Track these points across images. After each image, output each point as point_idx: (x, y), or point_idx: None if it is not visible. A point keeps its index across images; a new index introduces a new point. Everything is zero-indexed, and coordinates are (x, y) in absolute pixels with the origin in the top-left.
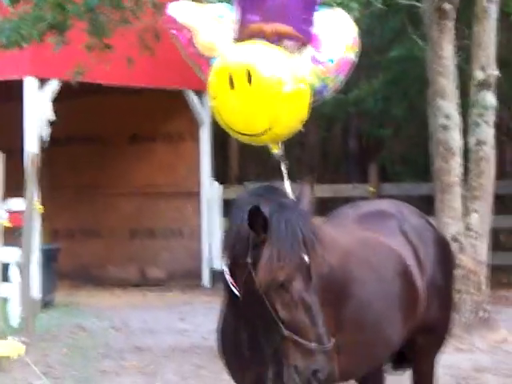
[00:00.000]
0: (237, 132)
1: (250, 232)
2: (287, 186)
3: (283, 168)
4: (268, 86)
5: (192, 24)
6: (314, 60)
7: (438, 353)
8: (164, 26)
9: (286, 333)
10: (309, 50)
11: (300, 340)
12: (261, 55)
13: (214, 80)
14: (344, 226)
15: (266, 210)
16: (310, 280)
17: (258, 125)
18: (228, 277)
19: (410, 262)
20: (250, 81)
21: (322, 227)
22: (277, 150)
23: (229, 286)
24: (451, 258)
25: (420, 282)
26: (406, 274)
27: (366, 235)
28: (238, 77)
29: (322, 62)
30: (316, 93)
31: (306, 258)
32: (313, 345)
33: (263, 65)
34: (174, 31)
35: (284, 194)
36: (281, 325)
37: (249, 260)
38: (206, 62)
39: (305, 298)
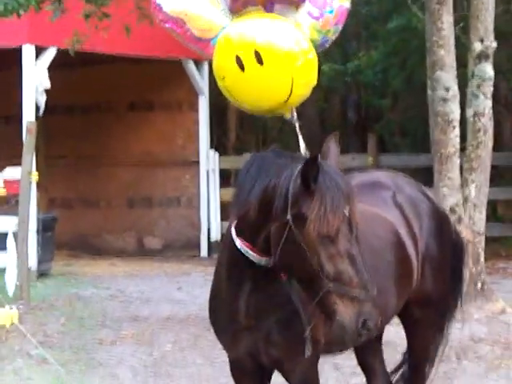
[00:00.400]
0: (250, 106)
1: (289, 188)
2: (302, 145)
3: (297, 129)
4: (280, 64)
5: (182, 10)
6: (311, 15)
7: (435, 327)
8: (156, 22)
9: (332, 285)
10: (305, 6)
11: (346, 288)
12: (267, 33)
13: (221, 61)
14: None
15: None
16: (352, 232)
17: (273, 102)
18: (242, 244)
19: (403, 232)
20: (260, 61)
21: None
22: (289, 115)
23: (231, 248)
24: (448, 230)
25: (413, 253)
26: (399, 245)
27: (359, 206)
28: (247, 59)
29: (321, 15)
30: (318, 46)
31: (347, 211)
32: (358, 292)
33: (273, 44)
34: (168, 25)
35: (298, 156)
36: (325, 279)
37: (288, 217)
38: (206, 44)
39: (350, 250)
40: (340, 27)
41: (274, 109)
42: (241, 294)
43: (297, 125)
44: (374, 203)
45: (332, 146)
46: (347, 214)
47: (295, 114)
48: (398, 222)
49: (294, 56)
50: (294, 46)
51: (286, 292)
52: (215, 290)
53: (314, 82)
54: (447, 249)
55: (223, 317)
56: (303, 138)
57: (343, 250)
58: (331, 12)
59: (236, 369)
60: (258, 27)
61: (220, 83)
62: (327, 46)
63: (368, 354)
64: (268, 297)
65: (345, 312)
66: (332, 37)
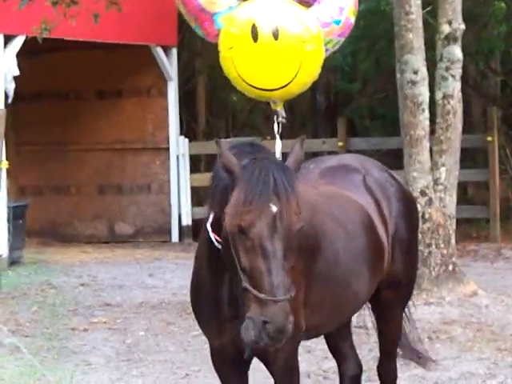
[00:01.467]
0: (249, 85)
1: (228, 183)
2: (278, 143)
3: (276, 126)
4: (294, 43)
5: None
6: (319, 20)
7: (403, 307)
8: None
9: (244, 282)
10: (316, 9)
11: (251, 290)
12: (288, 12)
13: (234, 30)
14: (308, 180)
15: (244, 161)
16: (275, 230)
17: (277, 80)
18: (210, 231)
19: (374, 215)
20: (275, 37)
21: None
22: (280, 108)
23: (209, 242)
24: (415, 212)
25: (385, 236)
26: (371, 228)
27: (331, 189)
28: (263, 31)
29: (327, 23)
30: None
31: (275, 208)
32: (262, 295)
33: (292, 22)
34: None
35: (268, 151)
36: (241, 273)
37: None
38: (208, 17)
39: (265, 246)
40: (342, 41)
41: (274, 90)
42: (223, 285)
43: (279, 122)
44: (345, 186)
45: (295, 148)
46: (273, 211)
47: (283, 112)
48: (369, 205)
49: (306, 40)
50: (308, 30)
51: None
52: (196, 281)
53: (317, 73)
54: (415, 231)
55: (206, 308)
56: (272, 122)
57: (257, 244)
58: (338, 23)
59: (217, 357)
60: (277, 5)
61: (224, 53)
62: (325, 56)
63: (338, 338)
64: None
65: (251, 311)
66: (332, 48)
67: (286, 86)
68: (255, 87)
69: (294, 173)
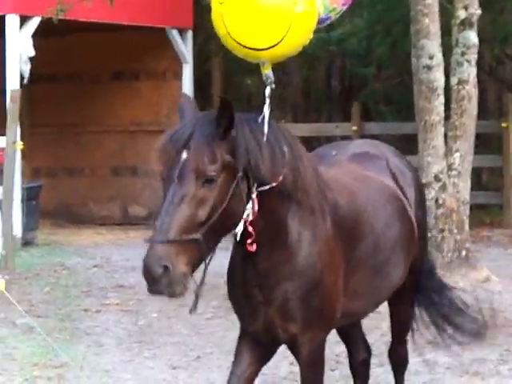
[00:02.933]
0: (237, 43)
1: None
2: (266, 109)
3: (268, 91)
4: (284, 3)
5: None
6: None
7: (415, 293)
8: None
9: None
10: None
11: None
12: None
13: None
14: (339, 166)
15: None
16: (180, 176)
17: (265, 39)
18: None
19: (404, 200)
20: None
21: (323, 169)
22: (268, 71)
23: None
24: (425, 198)
25: (414, 221)
26: (405, 214)
27: (366, 174)
28: None
29: None
30: (319, 21)
31: (185, 155)
32: (147, 237)
33: None
34: None
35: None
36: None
37: None
38: None
39: (165, 190)
40: (345, 9)
41: (262, 50)
42: (250, 269)
43: (269, 87)
44: (375, 171)
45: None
46: (183, 159)
47: (272, 75)
48: (396, 189)
49: (297, 1)
50: None
51: (291, 259)
52: (230, 266)
53: (308, 37)
54: (426, 217)
55: (238, 293)
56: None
57: (162, 190)
58: None
59: (244, 342)
60: None
61: (215, 8)
62: (325, 24)
63: (347, 324)
64: (273, 266)
65: (145, 253)
66: (334, 17)
67: (274, 46)
68: (243, 45)
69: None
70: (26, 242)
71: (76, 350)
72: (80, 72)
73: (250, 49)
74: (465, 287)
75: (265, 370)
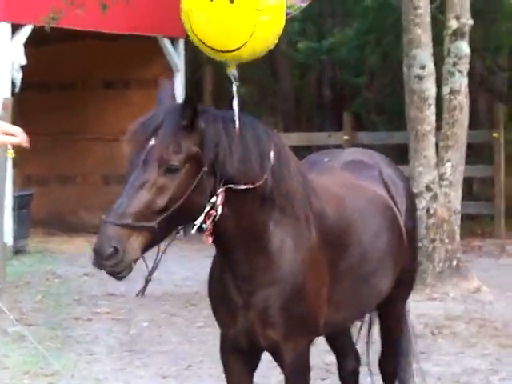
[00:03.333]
0: (202, 42)
1: None
2: (235, 105)
3: (234, 88)
4: (248, 10)
5: None
6: None
7: (404, 303)
8: None
9: None
10: None
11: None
12: None
13: None
14: (331, 173)
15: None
16: (144, 162)
17: (228, 43)
18: None
19: (395, 210)
20: (231, 0)
21: (312, 177)
22: (233, 70)
23: None
24: (416, 209)
25: (404, 231)
26: (395, 224)
27: (357, 183)
28: None
29: None
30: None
31: (152, 142)
32: (103, 216)
33: None
34: None
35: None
36: None
37: None
38: None
39: (131, 173)
40: (304, 6)
41: (221, 54)
42: (228, 271)
43: (234, 85)
44: (367, 180)
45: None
46: (149, 145)
47: (236, 73)
48: (388, 199)
49: (262, 9)
50: (261, 1)
51: (272, 265)
52: (211, 268)
53: (271, 43)
54: (417, 227)
55: (217, 295)
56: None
57: (127, 176)
58: None
59: (227, 349)
60: None
61: (183, 5)
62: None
63: (337, 333)
64: (252, 271)
65: (99, 231)
66: (294, 12)
67: (237, 50)
68: (207, 46)
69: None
70: (17, 251)
71: (67, 359)
72: (72, 80)
73: (214, 50)
74: (456, 297)
75: (255, 378)
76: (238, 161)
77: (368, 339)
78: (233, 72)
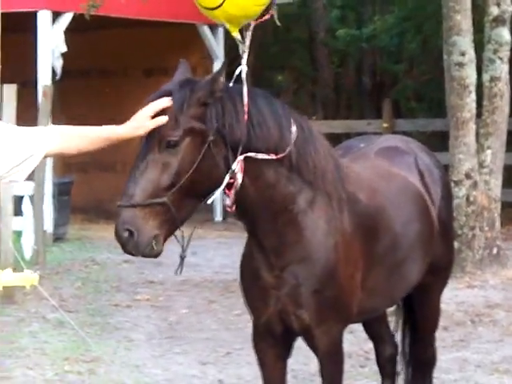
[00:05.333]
0: (202, 7)
1: None
2: (244, 68)
3: (241, 52)
4: None
5: None
6: None
7: (441, 291)
8: None
9: None
10: None
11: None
12: None
13: None
14: (365, 160)
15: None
16: (148, 143)
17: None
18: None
19: (427, 198)
20: None
21: (345, 162)
22: (236, 34)
23: None
24: (452, 197)
25: (436, 219)
26: (426, 212)
27: (389, 170)
28: None
29: None
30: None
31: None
32: (120, 200)
33: None
34: None
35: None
36: None
37: None
38: None
39: (137, 157)
40: None
41: (213, 9)
42: (259, 253)
43: (241, 48)
44: (401, 168)
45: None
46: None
47: (239, 36)
48: (421, 187)
49: None
50: None
51: (302, 240)
52: (243, 254)
53: None
54: (452, 215)
55: (249, 279)
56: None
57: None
58: None
59: (260, 335)
60: None
61: None
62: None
63: (374, 320)
64: (282, 245)
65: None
66: None
67: (221, 6)
68: (200, 4)
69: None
70: (57, 238)
71: (106, 345)
72: (112, 68)
73: (205, 8)
74: (495, 285)
75: (295, 365)
76: (252, 126)
77: (404, 328)
78: (236, 36)
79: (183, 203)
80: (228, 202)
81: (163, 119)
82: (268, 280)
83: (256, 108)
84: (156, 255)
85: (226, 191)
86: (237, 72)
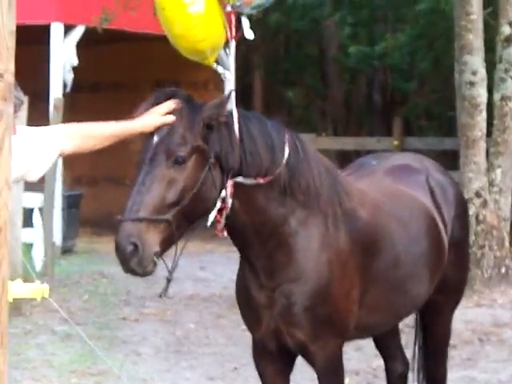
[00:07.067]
0: (183, 48)
1: None
2: (231, 97)
3: (223, 78)
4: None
5: None
6: None
7: (453, 311)
8: None
9: None
10: None
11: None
12: None
13: None
14: (372, 177)
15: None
16: (155, 158)
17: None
18: None
19: (437, 218)
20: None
21: (348, 179)
22: (212, 61)
23: None
24: (468, 216)
25: (445, 239)
26: (435, 231)
27: (397, 188)
28: None
29: None
30: (235, 7)
31: (156, 138)
32: (118, 217)
33: None
34: None
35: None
36: None
37: None
38: None
39: (139, 170)
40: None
41: (200, 51)
42: (250, 271)
43: (223, 76)
44: (410, 186)
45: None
46: (155, 142)
47: (217, 65)
48: (432, 206)
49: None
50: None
51: (294, 262)
52: (238, 272)
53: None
54: (468, 235)
55: (243, 297)
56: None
57: (137, 175)
58: None
59: (258, 352)
60: None
61: (160, 13)
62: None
63: (385, 336)
64: (274, 267)
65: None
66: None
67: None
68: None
69: (202, 114)
70: (66, 250)
71: (114, 359)
72: (123, 81)
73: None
74: (504, 304)
75: (302, 382)
76: (244, 154)
77: (416, 345)
78: (213, 64)
79: (181, 223)
80: (218, 226)
81: (171, 118)
82: (260, 300)
83: (248, 135)
84: (151, 273)
85: (217, 216)
86: (230, 99)
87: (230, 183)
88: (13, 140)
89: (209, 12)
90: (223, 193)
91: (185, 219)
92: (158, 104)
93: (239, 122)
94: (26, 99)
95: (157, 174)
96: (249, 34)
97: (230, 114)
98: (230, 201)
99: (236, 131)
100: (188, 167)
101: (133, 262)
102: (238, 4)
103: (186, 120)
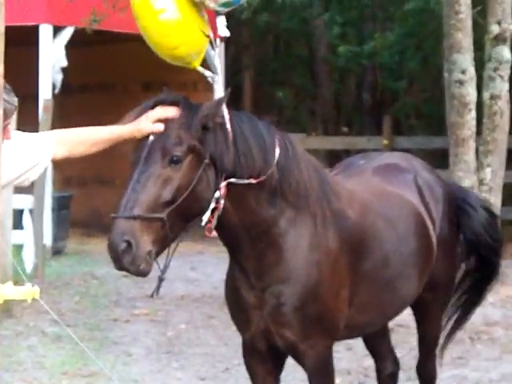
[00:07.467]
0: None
1: None
2: (225, 95)
3: (211, 81)
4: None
5: None
6: None
7: (442, 309)
8: None
9: None
10: None
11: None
12: None
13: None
14: (361, 177)
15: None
16: (150, 156)
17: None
18: None
19: (426, 217)
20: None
21: (336, 178)
22: (197, 66)
23: None
24: (454, 214)
25: (434, 238)
26: (423, 230)
27: (385, 188)
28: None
29: None
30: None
31: (152, 137)
32: (112, 214)
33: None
34: None
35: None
36: None
37: None
38: None
39: (134, 168)
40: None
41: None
42: (239, 272)
43: (210, 79)
44: (398, 185)
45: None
46: (150, 141)
47: (202, 69)
48: (420, 205)
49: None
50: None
51: (283, 258)
52: (227, 272)
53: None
54: (456, 233)
55: (232, 298)
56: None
57: (131, 173)
58: None
59: (248, 352)
60: None
61: (136, 23)
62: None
63: (375, 336)
64: (263, 267)
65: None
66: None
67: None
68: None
69: (198, 115)
70: (56, 251)
71: (105, 360)
72: (112, 82)
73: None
74: (494, 303)
75: (293, 382)
76: (237, 155)
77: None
78: (199, 68)
79: (176, 223)
80: (208, 226)
81: (162, 127)
82: (249, 300)
83: (242, 136)
84: (147, 273)
85: (210, 216)
86: (223, 97)
87: (223, 184)
88: (6, 145)
89: (184, 17)
90: (217, 193)
91: (179, 219)
92: (152, 108)
93: (232, 123)
94: (16, 101)
95: (152, 172)
96: (223, 32)
97: (222, 115)
98: (222, 201)
99: (228, 131)
100: (183, 167)
101: (125, 260)
102: (207, 2)
103: (183, 120)
